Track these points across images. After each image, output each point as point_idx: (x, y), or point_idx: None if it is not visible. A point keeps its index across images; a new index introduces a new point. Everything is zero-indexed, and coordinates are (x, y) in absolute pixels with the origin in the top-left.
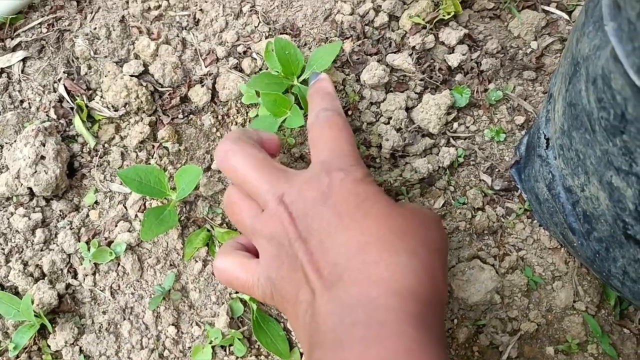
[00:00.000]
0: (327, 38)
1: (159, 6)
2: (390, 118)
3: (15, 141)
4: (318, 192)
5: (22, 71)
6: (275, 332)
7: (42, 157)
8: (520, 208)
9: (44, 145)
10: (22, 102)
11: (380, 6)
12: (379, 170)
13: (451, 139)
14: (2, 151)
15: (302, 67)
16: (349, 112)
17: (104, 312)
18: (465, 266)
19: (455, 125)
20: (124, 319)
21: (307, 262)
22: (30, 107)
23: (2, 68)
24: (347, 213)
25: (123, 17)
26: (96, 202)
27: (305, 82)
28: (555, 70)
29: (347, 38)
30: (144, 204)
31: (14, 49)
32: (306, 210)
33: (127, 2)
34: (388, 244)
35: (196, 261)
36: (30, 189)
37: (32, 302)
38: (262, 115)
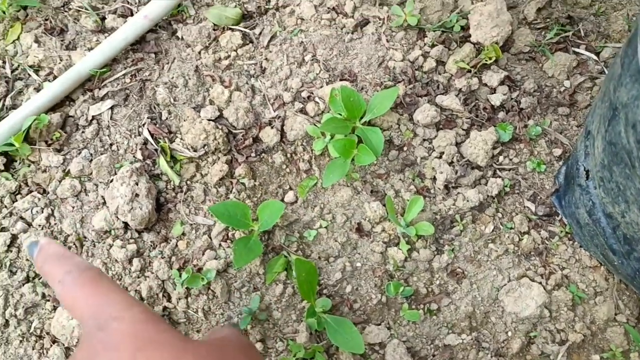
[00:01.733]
0: (381, 82)
1: (229, 56)
2: (442, 153)
3: (111, 180)
4: (93, 350)
5: (111, 118)
6: (348, 329)
7: (137, 195)
8: (562, 231)
9: (137, 184)
10: (111, 145)
11: (429, 53)
12: (434, 200)
13: (497, 170)
14: (97, 189)
15: (363, 111)
16: (404, 148)
17: (197, 331)
18: (516, 284)
19: (501, 158)
20: None
21: None
22: (118, 150)
23: (93, 116)
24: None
25: (197, 67)
26: (183, 234)
27: (366, 123)
28: (591, 110)
29: (400, 82)
30: (227, 234)
31: (102, 98)
32: None
33: (200, 53)
34: None
35: (277, 284)
36: (125, 223)
37: None
38: (334, 159)
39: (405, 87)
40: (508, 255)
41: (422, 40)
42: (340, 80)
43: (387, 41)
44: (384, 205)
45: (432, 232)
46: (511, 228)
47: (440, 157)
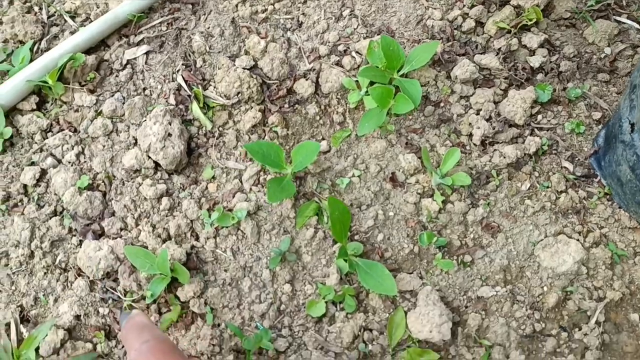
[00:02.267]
0: (419, 40)
1: (265, 10)
2: (480, 110)
3: (144, 120)
4: None
5: (145, 63)
6: (380, 272)
7: (169, 135)
8: (600, 192)
9: (170, 124)
10: (144, 89)
11: (468, 13)
12: (470, 156)
13: (535, 129)
14: (129, 130)
15: (402, 62)
16: (441, 105)
17: (225, 270)
18: (552, 240)
19: (539, 117)
20: (244, 276)
21: None
22: (151, 94)
23: (128, 60)
24: None
25: (233, 18)
26: (213, 177)
27: (404, 75)
28: (637, 65)
29: (438, 40)
30: (258, 179)
31: (137, 44)
32: None
33: (237, 6)
34: None
35: (307, 228)
36: (156, 163)
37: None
38: (369, 109)
39: (444, 45)
40: (545, 212)
41: (461, 2)
42: (378, 35)
43: (427, 0)
44: (419, 157)
45: (468, 182)
46: (548, 187)
47: (477, 114)
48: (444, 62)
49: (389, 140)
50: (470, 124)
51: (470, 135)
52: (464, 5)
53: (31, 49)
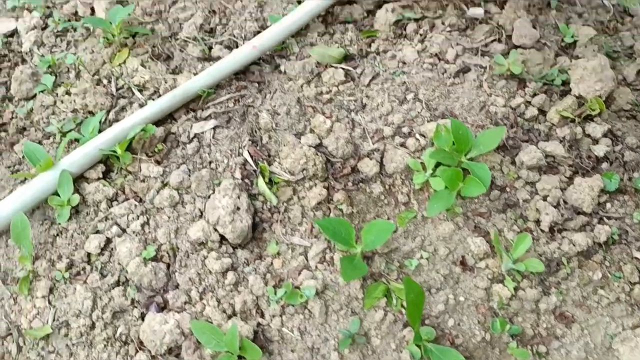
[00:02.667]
0: (483, 125)
1: (330, 91)
2: (546, 196)
3: (212, 193)
4: None
5: (213, 137)
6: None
7: (238, 208)
8: None
9: (239, 198)
10: (210, 163)
11: (530, 102)
12: (538, 243)
13: (604, 218)
14: (194, 202)
15: (470, 146)
16: (507, 189)
17: (292, 351)
18: (631, 334)
19: (608, 206)
20: (312, 358)
21: None
22: (217, 168)
23: (195, 134)
24: None
25: (299, 98)
26: (278, 253)
27: (472, 159)
28: None
29: (503, 126)
30: (324, 256)
31: (205, 118)
32: None
33: (302, 87)
34: None
35: (376, 310)
36: (221, 236)
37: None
38: (437, 191)
39: (508, 131)
40: (620, 304)
41: (522, 90)
42: (442, 119)
43: (489, 87)
44: (488, 242)
45: (542, 269)
46: (620, 277)
47: (544, 200)
48: (508, 147)
49: (456, 223)
50: (537, 209)
51: (537, 221)
52: (525, 93)
53: (100, 120)
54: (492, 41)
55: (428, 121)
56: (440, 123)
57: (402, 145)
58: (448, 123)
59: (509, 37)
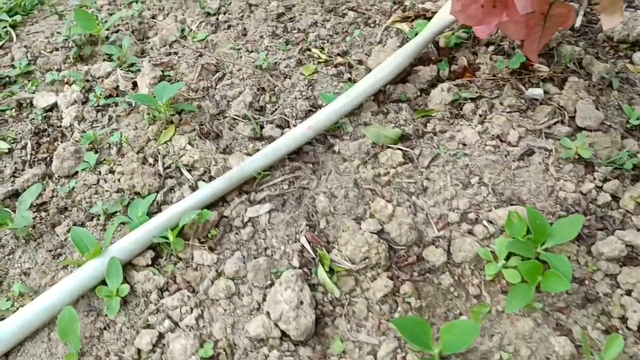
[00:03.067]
0: (554, 212)
1: (388, 173)
2: (630, 290)
3: (269, 285)
4: None
5: (268, 221)
6: None
7: (301, 302)
8: None
9: (302, 291)
10: (266, 249)
11: (601, 187)
12: (626, 343)
13: None
14: (252, 293)
15: (547, 236)
16: (585, 282)
17: None
18: None
19: None
20: None
21: None
22: (273, 255)
23: (250, 218)
24: None
25: (355, 180)
26: (344, 351)
27: (548, 249)
28: None
29: (572, 213)
30: (395, 357)
31: (259, 202)
32: None
33: (358, 168)
34: None
35: None
36: (282, 332)
37: None
38: (516, 286)
39: None
40: None
41: (591, 174)
42: (509, 205)
43: (556, 171)
44: (572, 341)
45: None
46: None
47: (628, 295)
48: (583, 236)
49: (534, 319)
50: (622, 305)
51: (623, 318)
52: (594, 178)
53: (149, 203)
54: (555, 123)
55: (495, 207)
56: (511, 210)
57: (470, 232)
58: (519, 210)
59: (572, 118)
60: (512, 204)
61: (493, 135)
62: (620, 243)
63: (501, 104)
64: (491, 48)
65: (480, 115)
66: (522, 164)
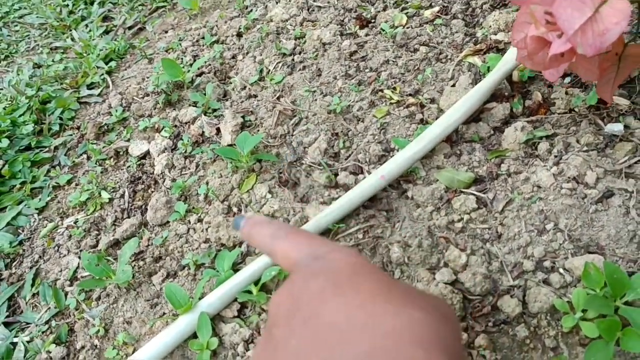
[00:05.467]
0: (636, 259)
1: (462, 219)
2: None
3: None
4: (310, 272)
5: None
6: None
7: None
8: None
9: None
10: None
11: None
12: None
13: None
14: None
15: (626, 290)
16: None
17: None
18: None
19: None
20: None
21: None
22: None
23: None
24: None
25: (429, 228)
26: None
27: (628, 303)
28: None
29: None
30: None
31: None
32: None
33: (431, 214)
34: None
35: None
36: None
37: None
38: (594, 342)
39: None
40: None
41: None
42: (587, 252)
43: (638, 215)
44: None
45: None
46: None
47: None
48: None
49: None
50: None
51: None
52: None
53: (235, 257)
54: (637, 161)
55: (572, 254)
56: (589, 262)
57: (545, 281)
58: (596, 259)
59: None
60: (590, 251)
61: (569, 177)
62: None
63: (578, 142)
64: (567, 80)
65: (555, 156)
66: (601, 207)
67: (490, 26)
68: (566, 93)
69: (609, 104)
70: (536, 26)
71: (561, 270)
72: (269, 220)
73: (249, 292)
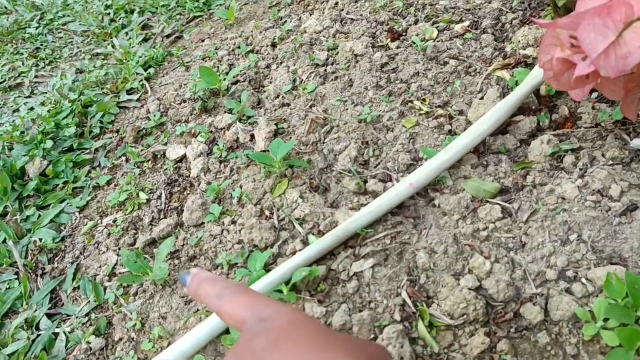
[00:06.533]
0: None
1: (487, 228)
2: None
3: (373, 336)
4: (254, 333)
5: (372, 276)
6: None
7: (402, 358)
8: None
9: (402, 347)
10: (370, 302)
11: None
12: None
13: None
14: None
15: None
16: None
17: None
18: None
19: None
20: None
21: None
22: (377, 308)
23: (355, 272)
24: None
25: (455, 235)
26: None
27: None
28: None
29: None
30: None
31: (364, 256)
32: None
33: (457, 222)
34: None
35: None
36: None
37: None
38: (615, 350)
39: None
40: None
41: None
42: (610, 264)
43: None
44: None
45: None
46: None
47: None
48: None
49: None
50: None
51: None
52: None
53: (267, 257)
54: None
55: (595, 265)
56: (611, 272)
57: (567, 290)
58: (618, 270)
59: None
60: (612, 263)
61: (594, 190)
62: None
63: (603, 155)
64: (594, 95)
65: (580, 169)
66: (624, 219)
67: (519, 41)
68: (593, 108)
69: (635, 121)
70: (562, 49)
71: (583, 280)
72: (214, 277)
73: (280, 291)
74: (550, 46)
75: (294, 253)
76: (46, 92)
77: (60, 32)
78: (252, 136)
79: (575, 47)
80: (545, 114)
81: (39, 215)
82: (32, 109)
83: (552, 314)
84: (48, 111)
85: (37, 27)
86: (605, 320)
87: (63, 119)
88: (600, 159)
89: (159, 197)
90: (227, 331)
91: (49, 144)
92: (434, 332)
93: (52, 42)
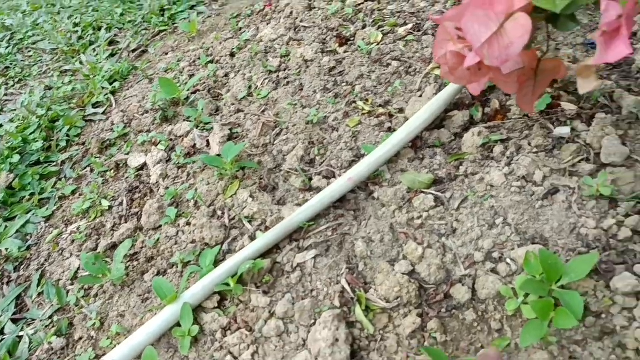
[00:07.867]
0: (574, 249)
1: (421, 216)
2: None
3: (312, 324)
4: None
5: (314, 266)
6: None
7: (337, 340)
8: None
9: (338, 330)
10: (312, 291)
11: (623, 222)
12: None
13: None
14: (298, 332)
15: (561, 275)
16: (602, 316)
17: None
18: None
19: None
20: None
21: None
22: (318, 296)
23: (298, 263)
24: None
25: (391, 224)
26: None
27: (564, 287)
28: None
29: (593, 249)
30: None
31: (307, 248)
32: None
33: (394, 213)
34: None
35: None
36: None
37: None
38: (529, 320)
39: (600, 254)
40: None
41: (614, 210)
42: (532, 244)
43: (579, 209)
44: None
45: None
46: None
47: None
48: (601, 272)
49: (550, 352)
50: (636, 338)
51: (637, 351)
52: (617, 214)
53: (216, 253)
54: (580, 161)
55: (518, 246)
56: (530, 250)
57: (493, 270)
58: (538, 250)
59: (597, 154)
60: (534, 243)
61: (519, 176)
62: (635, 279)
63: (529, 144)
64: None
65: (508, 157)
66: (546, 203)
67: None
68: None
69: (531, 114)
70: (453, 42)
71: (508, 260)
72: None
73: (227, 284)
74: (444, 41)
75: (243, 249)
76: (15, 110)
77: (29, 51)
78: (209, 142)
79: (461, 39)
80: (476, 108)
81: (6, 227)
82: (0, 126)
83: (479, 293)
84: (16, 127)
85: (7, 47)
86: (526, 295)
87: (30, 134)
88: (526, 147)
89: (121, 203)
90: (179, 323)
91: (16, 158)
92: (370, 316)
93: (22, 60)
